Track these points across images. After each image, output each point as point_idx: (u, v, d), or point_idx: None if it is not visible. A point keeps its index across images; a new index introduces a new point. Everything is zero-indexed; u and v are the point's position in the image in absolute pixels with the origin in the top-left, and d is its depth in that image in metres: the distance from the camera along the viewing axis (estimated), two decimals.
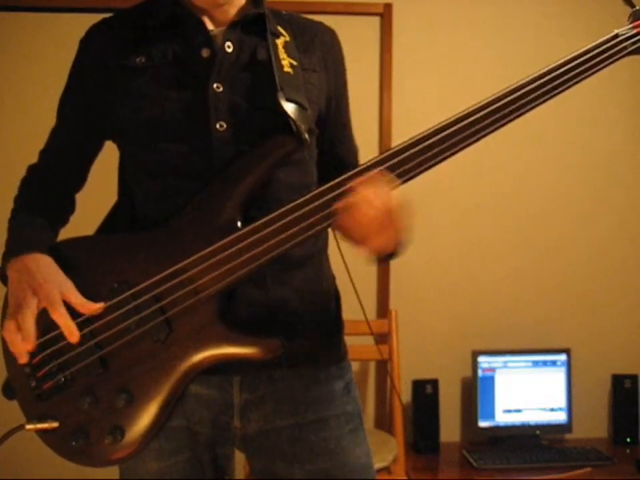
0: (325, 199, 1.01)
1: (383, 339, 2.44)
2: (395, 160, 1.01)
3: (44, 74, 2.38)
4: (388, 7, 2.51)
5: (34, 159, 1.23)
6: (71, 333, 1.02)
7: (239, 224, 1.03)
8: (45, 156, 1.22)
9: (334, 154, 1.22)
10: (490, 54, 2.49)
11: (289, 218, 1.01)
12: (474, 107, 1.03)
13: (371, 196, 0.97)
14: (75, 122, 1.18)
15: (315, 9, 2.37)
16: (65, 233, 1.20)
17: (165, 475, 1.11)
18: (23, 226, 1.14)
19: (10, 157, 2.40)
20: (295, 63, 1.11)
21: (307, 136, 1.04)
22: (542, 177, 2.59)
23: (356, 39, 2.50)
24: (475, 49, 2.53)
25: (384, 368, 2.52)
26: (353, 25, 2.49)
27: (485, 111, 1.02)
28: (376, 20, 2.52)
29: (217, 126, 1.05)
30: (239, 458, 1.22)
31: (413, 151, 1.01)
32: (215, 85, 1.06)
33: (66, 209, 1.23)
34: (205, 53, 1.08)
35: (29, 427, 1.04)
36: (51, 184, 1.20)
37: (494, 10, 2.55)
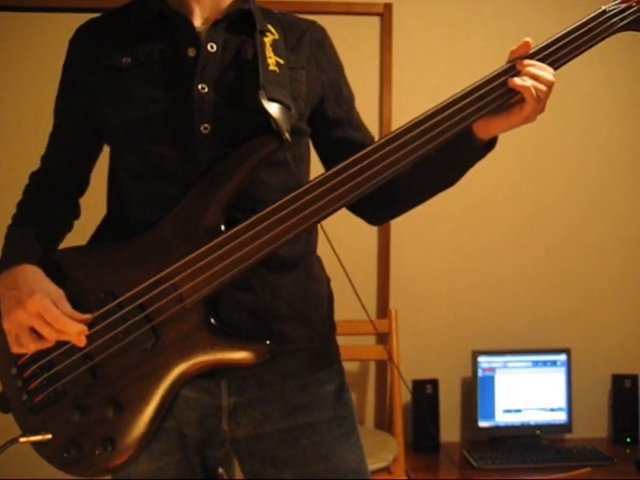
0: (306, 198, 1.00)
1: (382, 338, 2.44)
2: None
3: (44, 74, 2.37)
4: (388, 6, 2.51)
5: (34, 160, 1.23)
6: (72, 329, 1.01)
7: (223, 228, 1.02)
8: (44, 161, 1.21)
9: (342, 138, 1.19)
10: (490, 54, 2.48)
11: (272, 219, 1.00)
12: (459, 93, 1.01)
13: (545, 67, 1.00)
14: (70, 125, 1.18)
15: (315, 9, 2.37)
16: (70, 238, 1.20)
17: (157, 476, 1.10)
18: (16, 238, 1.13)
19: (9, 157, 2.40)
20: (281, 62, 1.09)
21: (287, 136, 1.02)
22: (541, 177, 2.59)
23: (356, 39, 2.50)
24: (474, 49, 2.53)
25: (384, 368, 2.53)
26: (353, 25, 2.49)
27: (479, 93, 1.01)
28: (376, 20, 2.52)
29: (201, 128, 1.04)
30: None
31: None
32: (200, 86, 1.05)
33: (69, 214, 1.22)
34: (192, 52, 1.07)
35: (22, 439, 1.05)
36: (51, 190, 1.19)
37: (494, 10, 2.56)
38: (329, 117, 1.18)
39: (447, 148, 1.05)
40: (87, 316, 1.03)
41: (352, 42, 2.47)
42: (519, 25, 2.53)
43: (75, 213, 1.23)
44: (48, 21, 2.40)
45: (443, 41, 2.55)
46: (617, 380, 2.54)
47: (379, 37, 2.52)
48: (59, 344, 1.04)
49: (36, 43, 2.41)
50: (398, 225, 2.49)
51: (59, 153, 1.20)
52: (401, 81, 2.53)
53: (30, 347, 1.03)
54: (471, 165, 1.10)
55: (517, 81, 0.99)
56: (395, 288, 2.54)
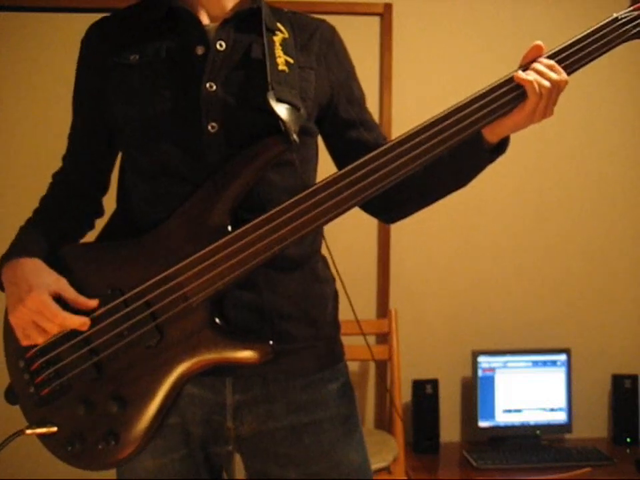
0: (313, 200, 1.00)
1: (382, 339, 2.44)
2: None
3: (44, 74, 2.37)
4: (388, 6, 2.51)
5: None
6: (73, 323, 1.03)
7: (230, 228, 1.03)
8: (64, 161, 1.22)
9: (356, 140, 1.19)
10: (490, 54, 2.49)
11: (278, 220, 1.00)
12: (468, 97, 1.01)
13: (554, 66, 1.00)
14: (84, 124, 1.19)
15: (315, 9, 2.36)
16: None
17: (162, 472, 1.11)
18: (25, 233, 1.15)
19: (10, 157, 2.40)
20: (291, 61, 1.09)
21: (295, 137, 1.02)
22: (541, 177, 2.60)
23: (356, 38, 2.48)
24: (475, 49, 2.53)
25: (384, 368, 2.53)
26: (353, 25, 2.49)
27: (488, 98, 1.01)
28: (376, 20, 2.52)
29: (209, 127, 1.04)
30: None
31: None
32: (207, 84, 1.05)
33: (89, 212, 1.23)
34: (200, 50, 1.07)
35: (28, 431, 1.07)
36: (71, 188, 1.21)
37: (494, 10, 2.56)
38: (342, 118, 1.18)
39: (458, 151, 1.05)
40: (93, 301, 1.05)
41: (352, 42, 2.45)
42: (519, 25, 2.53)
43: (97, 211, 1.24)
44: (48, 21, 2.39)
45: (442, 41, 2.55)
46: (617, 380, 2.54)
47: (379, 37, 2.52)
48: (66, 339, 1.06)
49: (36, 43, 2.40)
50: (398, 224, 2.48)
51: (76, 153, 1.21)
52: (401, 81, 2.53)
53: (38, 340, 1.05)
54: (483, 168, 1.10)
55: (521, 74, 0.99)
56: (395, 288, 2.54)
